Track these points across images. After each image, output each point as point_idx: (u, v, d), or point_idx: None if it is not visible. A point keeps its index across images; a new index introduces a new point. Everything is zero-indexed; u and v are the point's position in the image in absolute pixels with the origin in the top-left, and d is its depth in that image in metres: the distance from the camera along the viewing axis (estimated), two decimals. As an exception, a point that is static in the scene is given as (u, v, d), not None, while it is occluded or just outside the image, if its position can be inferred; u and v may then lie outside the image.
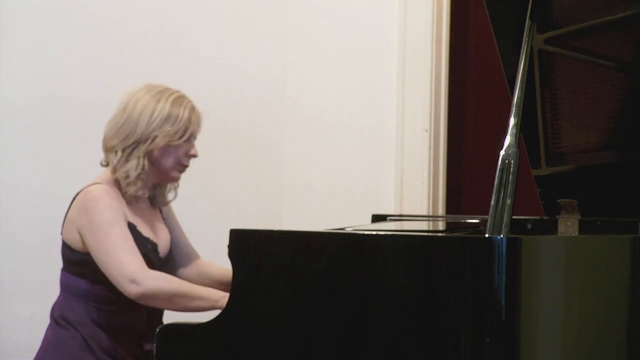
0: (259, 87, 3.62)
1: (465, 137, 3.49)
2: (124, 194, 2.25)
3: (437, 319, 1.66)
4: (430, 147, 3.38)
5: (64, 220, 2.26)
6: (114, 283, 2.11)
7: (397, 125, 3.44)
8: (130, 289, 2.08)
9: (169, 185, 2.39)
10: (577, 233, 2.28)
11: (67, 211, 2.26)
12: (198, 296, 2.12)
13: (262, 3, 3.65)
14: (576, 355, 1.77)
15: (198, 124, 2.32)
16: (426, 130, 3.38)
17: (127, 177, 2.23)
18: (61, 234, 2.27)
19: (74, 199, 2.25)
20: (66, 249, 2.25)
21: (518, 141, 1.78)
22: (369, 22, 3.53)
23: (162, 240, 2.34)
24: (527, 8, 2.09)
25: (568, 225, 2.30)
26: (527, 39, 2.00)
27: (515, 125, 1.82)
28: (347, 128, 3.55)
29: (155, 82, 2.34)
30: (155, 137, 2.23)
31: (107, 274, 2.13)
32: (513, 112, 1.85)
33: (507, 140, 1.77)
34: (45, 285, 3.22)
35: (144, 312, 2.24)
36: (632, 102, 2.22)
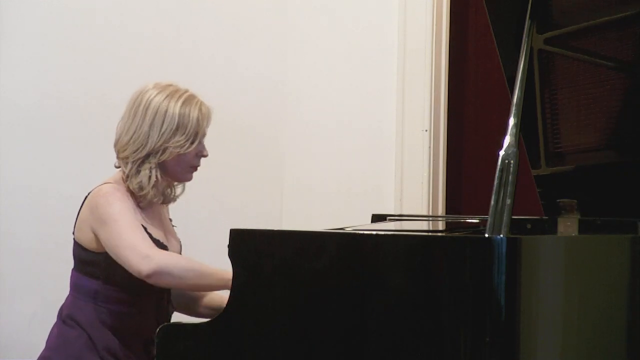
0: (259, 87, 3.62)
1: (465, 137, 3.49)
2: (138, 203, 2.27)
3: (436, 319, 1.66)
4: (430, 147, 3.38)
5: (76, 220, 2.26)
6: (126, 262, 2.10)
7: (397, 125, 3.44)
8: (143, 265, 2.06)
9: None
10: (577, 233, 2.28)
11: (79, 211, 2.26)
12: (209, 273, 2.12)
13: (262, 3, 3.65)
14: (576, 355, 1.77)
15: (207, 121, 2.32)
16: (426, 130, 3.39)
17: (141, 188, 2.24)
18: (73, 233, 2.27)
19: (85, 198, 2.25)
20: (79, 248, 2.25)
21: (518, 141, 1.78)
22: (369, 22, 3.53)
23: (172, 244, 2.35)
24: (527, 8, 2.09)
25: (568, 225, 2.30)
26: (526, 38, 2.00)
27: (515, 125, 1.82)
28: (347, 128, 3.55)
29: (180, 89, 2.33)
30: (167, 148, 2.24)
31: (120, 257, 2.11)
32: (513, 112, 1.85)
33: (507, 140, 1.77)
34: (45, 285, 3.23)
35: (153, 316, 2.23)
36: (632, 102, 2.22)
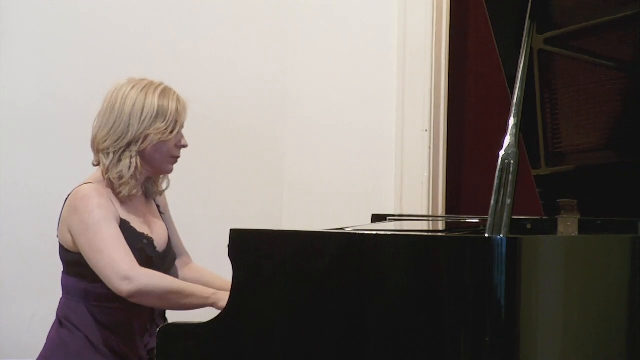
0: (259, 87, 3.62)
1: (465, 137, 3.49)
2: (117, 194, 2.26)
3: (436, 319, 1.66)
4: (430, 147, 3.38)
5: (59, 223, 2.26)
6: (106, 282, 2.11)
7: (397, 125, 3.44)
8: (123, 287, 2.08)
9: (161, 176, 2.40)
10: (577, 233, 2.28)
11: (61, 213, 2.26)
12: (190, 293, 2.14)
13: (262, 3, 3.65)
14: (576, 356, 1.77)
15: (185, 112, 2.33)
16: (426, 130, 3.39)
17: (120, 177, 2.24)
18: (57, 236, 2.27)
19: (65, 200, 2.25)
20: (63, 251, 2.26)
21: (518, 141, 1.78)
22: (369, 22, 3.53)
23: (158, 234, 2.34)
24: (527, 8, 2.09)
25: (568, 225, 2.30)
26: (526, 39, 2.00)
27: (515, 125, 1.82)
28: (347, 128, 3.55)
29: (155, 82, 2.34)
30: (148, 135, 2.25)
31: (99, 273, 2.13)
32: (513, 112, 1.85)
33: (507, 140, 1.77)
34: (45, 285, 3.22)
35: (146, 308, 2.24)
36: (632, 102, 2.22)
